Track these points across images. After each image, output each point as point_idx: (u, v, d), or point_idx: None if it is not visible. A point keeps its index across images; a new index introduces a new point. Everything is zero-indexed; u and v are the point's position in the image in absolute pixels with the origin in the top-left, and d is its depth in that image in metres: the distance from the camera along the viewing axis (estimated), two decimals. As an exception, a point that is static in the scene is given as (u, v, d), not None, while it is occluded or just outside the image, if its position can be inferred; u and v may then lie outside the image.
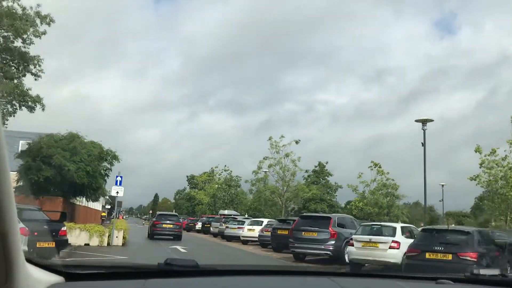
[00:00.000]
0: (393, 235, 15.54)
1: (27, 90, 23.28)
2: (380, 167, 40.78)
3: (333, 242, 17.69)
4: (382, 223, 18.04)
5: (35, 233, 12.10)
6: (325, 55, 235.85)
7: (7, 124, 23.53)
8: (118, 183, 24.25)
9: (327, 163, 65.16)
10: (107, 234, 21.36)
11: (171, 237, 28.11)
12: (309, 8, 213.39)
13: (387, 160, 75.98)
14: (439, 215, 64.62)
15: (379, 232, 16.06)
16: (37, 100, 23.44)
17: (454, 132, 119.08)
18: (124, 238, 22.41)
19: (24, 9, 22.84)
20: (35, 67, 24.03)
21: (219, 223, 36.03)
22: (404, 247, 15.08)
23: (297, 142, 43.98)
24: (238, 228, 29.89)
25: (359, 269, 15.17)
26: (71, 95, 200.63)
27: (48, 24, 23.70)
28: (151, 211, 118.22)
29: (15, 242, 1.23)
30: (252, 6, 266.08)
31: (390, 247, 15.15)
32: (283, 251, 21.65)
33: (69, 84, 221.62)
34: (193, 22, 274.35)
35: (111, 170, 28.74)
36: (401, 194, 41.21)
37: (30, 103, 23.38)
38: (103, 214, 63.93)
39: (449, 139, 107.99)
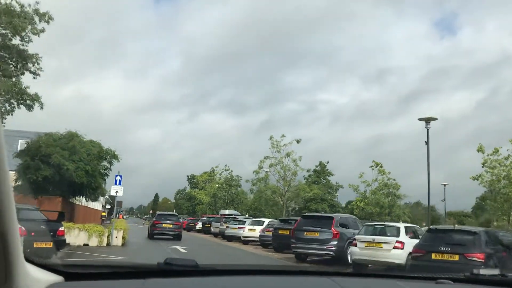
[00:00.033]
0: (397, 235, 15.27)
1: (25, 88, 23.00)
2: (381, 166, 40.61)
3: (335, 242, 17.43)
4: (386, 223, 17.77)
5: (32, 233, 11.87)
6: (325, 55, 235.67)
7: (5, 123, 23.29)
8: (117, 183, 24.00)
9: (328, 162, 65.10)
10: (106, 234, 21.12)
11: (171, 237, 27.97)
12: (309, 8, 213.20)
13: (388, 160, 76.07)
14: (440, 215, 64.40)
15: (382, 232, 15.80)
16: (36, 98, 23.16)
17: (454, 132, 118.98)
18: (123, 238, 22.16)
19: (22, 6, 22.55)
20: (33, 65, 23.73)
21: (219, 223, 35.81)
22: (408, 248, 14.84)
23: (298, 142, 43.80)
24: (239, 228, 29.68)
25: (361, 269, 14.89)
26: (71, 95, 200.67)
27: (47, 22, 23.41)
28: (151, 211, 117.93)
29: (14, 241, 1.23)
30: (252, 6, 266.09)
31: (394, 248, 14.89)
32: (285, 251, 21.43)
33: (70, 84, 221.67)
34: (193, 22, 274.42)
35: (110, 170, 28.56)
36: (403, 194, 41.08)
37: (28, 101, 23.10)
38: (103, 214, 63.76)
39: (449, 139, 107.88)
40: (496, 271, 2.16)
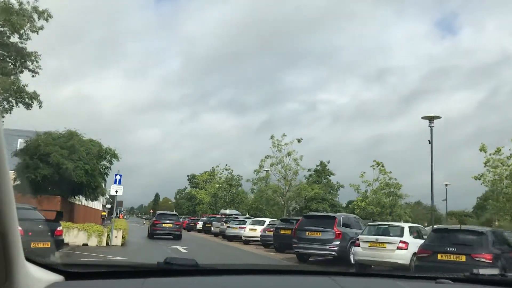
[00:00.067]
0: (401, 235, 15.01)
1: (24, 86, 22.76)
2: (382, 166, 40.42)
3: (338, 242, 17.19)
4: (390, 223, 17.52)
5: (30, 233, 11.66)
6: (325, 55, 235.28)
7: (3, 121, 22.97)
8: (117, 182, 23.75)
9: (328, 162, 64.86)
10: (106, 234, 20.91)
11: (171, 237, 27.88)
12: (309, 8, 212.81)
13: (388, 160, 75.75)
14: (440, 215, 64.19)
15: (386, 232, 15.55)
16: (34, 96, 22.93)
17: (454, 132, 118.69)
18: (123, 238, 21.95)
19: (21, 4, 22.33)
20: (32, 64, 23.52)
21: (220, 223, 35.59)
22: (412, 248, 14.62)
23: (299, 141, 43.56)
24: (240, 228, 29.49)
25: (364, 270, 14.65)
26: (71, 95, 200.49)
27: (46, 19, 23.22)
28: (151, 211, 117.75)
29: (15, 241, 1.24)
30: (252, 6, 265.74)
31: (398, 248, 14.64)
32: (286, 251, 21.22)
33: (70, 84, 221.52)
34: (193, 22, 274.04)
35: (110, 169, 28.31)
36: (404, 194, 40.88)
37: (27, 99, 22.86)
38: (103, 213, 63.59)
39: (449, 139, 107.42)
40: (496, 271, 2.15)
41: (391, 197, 40.57)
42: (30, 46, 23.33)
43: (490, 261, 10.81)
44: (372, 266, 15.59)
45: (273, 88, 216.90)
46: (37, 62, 23.57)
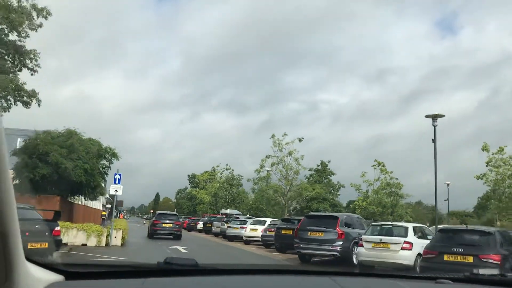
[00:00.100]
0: (405, 235, 14.75)
1: (22, 84, 22.47)
2: (383, 166, 40.19)
3: (340, 242, 16.93)
4: (393, 223, 17.24)
5: (27, 233, 11.40)
6: (325, 55, 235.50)
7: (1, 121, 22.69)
8: (116, 181, 23.43)
9: (329, 162, 64.62)
10: (105, 234, 20.66)
11: (171, 237, 27.76)
12: (309, 8, 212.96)
13: (388, 160, 75.35)
14: (441, 215, 63.94)
15: (390, 232, 15.29)
16: (33, 95, 22.66)
17: (455, 132, 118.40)
18: (123, 238, 21.70)
19: (19, 1, 22.05)
20: (31, 62, 23.24)
21: (220, 223, 35.33)
22: (416, 248, 14.38)
23: (300, 140, 43.26)
24: (241, 228, 29.26)
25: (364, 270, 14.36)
26: (71, 94, 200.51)
27: (45, 17, 22.96)
28: (152, 211, 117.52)
29: (15, 241, 1.24)
30: (252, 6, 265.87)
31: (402, 248, 14.39)
32: (288, 252, 20.98)
33: (70, 84, 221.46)
34: (193, 22, 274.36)
35: (110, 168, 28.06)
36: (405, 194, 40.65)
37: (25, 98, 22.58)
38: (104, 213, 63.39)
39: (450, 139, 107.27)
40: (495, 271, 2.18)
41: (392, 197, 40.35)
42: (29, 45, 23.11)
43: (498, 262, 10.54)
44: (375, 267, 15.34)
45: (273, 88, 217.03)
46: (36, 60, 23.32)
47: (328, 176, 64.26)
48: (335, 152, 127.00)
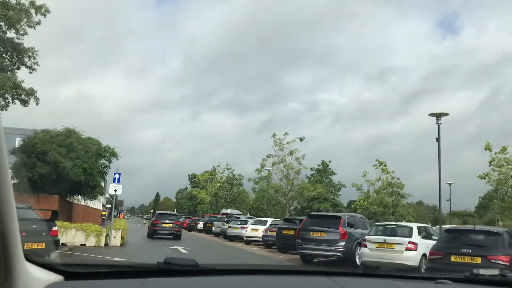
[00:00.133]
0: (410, 235, 14.45)
1: (20, 82, 22.18)
2: (385, 165, 39.95)
3: (343, 243, 16.66)
4: (397, 223, 16.94)
5: (23, 233, 11.10)
6: (326, 55, 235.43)
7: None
8: (116, 181, 23.17)
9: (330, 162, 64.36)
10: (104, 234, 20.39)
11: (171, 236, 27.62)
12: (309, 8, 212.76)
13: (388, 160, 74.71)
14: (443, 215, 63.64)
15: (394, 233, 15.00)
16: (31, 93, 22.37)
17: (455, 132, 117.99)
18: (122, 238, 21.44)
19: (18, -2, 21.79)
20: (29, 60, 22.95)
21: (221, 223, 35.07)
22: (421, 249, 14.10)
23: (301, 139, 42.98)
24: (241, 227, 29.03)
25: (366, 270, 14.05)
26: (72, 94, 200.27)
27: (44, 14, 22.68)
28: (152, 211, 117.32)
29: (14, 241, 1.24)
30: (252, 6, 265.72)
31: (407, 249, 14.10)
32: (289, 252, 20.74)
33: (70, 84, 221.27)
34: (193, 22, 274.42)
35: (109, 168, 27.80)
36: (407, 193, 40.42)
37: (23, 96, 22.28)
38: (104, 213, 63.18)
39: (450, 138, 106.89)
40: (496, 271, 2.15)
41: (394, 197, 40.11)
42: (28, 43, 22.83)
43: (508, 264, 10.24)
44: (379, 268, 15.06)
45: (274, 88, 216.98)
46: (34, 58, 23.04)
47: (329, 176, 64.01)
48: (336, 152, 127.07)
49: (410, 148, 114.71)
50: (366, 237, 15.26)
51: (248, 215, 43.56)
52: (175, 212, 37.29)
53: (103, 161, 27.53)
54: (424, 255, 13.97)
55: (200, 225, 45.18)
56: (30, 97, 22.39)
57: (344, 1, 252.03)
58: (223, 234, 32.69)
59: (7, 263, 1.25)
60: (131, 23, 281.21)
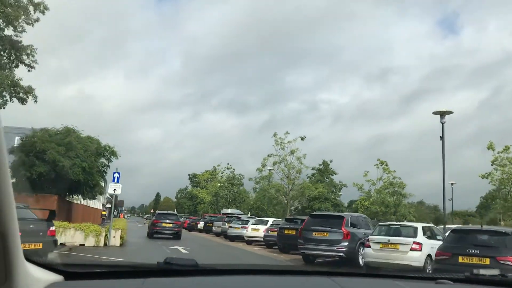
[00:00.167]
0: (414, 235, 14.16)
1: (18, 80, 21.90)
2: (386, 165, 39.76)
3: (346, 243, 16.38)
4: (402, 223, 16.67)
5: (20, 234, 10.84)
6: (326, 55, 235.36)
7: None
8: (115, 180, 22.91)
9: (331, 161, 64.10)
10: (103, 234, 20.13)
11: (171, 236, 27.48)
12: (309, 8, 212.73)
13: (389, 160, 74.50)
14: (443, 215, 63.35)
15: (398, 233, 14.71)
16: (29, 91, 22.10)
17: (456, 131, 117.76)
18: (121, 238, 21.19)
19: (15, -5, 21.51)
20: (28, 58, 22.67)
21: (221, 223, 34.83)
22: (426, 249, 13.83)
23: (302, 139, 42.72)
24: (242, 227, 28.83)
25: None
26: (72, 94, 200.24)
27: (42, 12, 22.41)
28: (152, 210, 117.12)
29: (14, 241, 1.24)
30: (252, 6, 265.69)
31: (412, 249, 13.82)
32: (291, 252, 20.48)
33: (71, 83, 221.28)
34: (194, 22, 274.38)
35: (109, 167, 27.51)
36: (408, 193, 40.24)
37: (21, 94, 22.01)
38: (104, 213, 62.95)
39: (451, 138, 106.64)
40: (496, 271, 2.14)
41: (395, 197, 39.91)
42: (28, 41, 22.56)
43: (517, 265, 9.96)
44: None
45: (274, 88, 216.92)
46: (33, 56, 22.76)
47: (330, 176, 63.73)
48: (336, 152, 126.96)
49: (410, 148, 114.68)
50: (370, 237, 14.99)
51: (249, 214, 43.29)
52: (175, 212, 37.11)
53: (103, 160, 27.29)
54: (429, 255, 13.70)
55: (201, 225, 44.97)
56: (28, 95, 22.12)
57: (344, 1, 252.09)
58: (223, 234, 32.47)
59: (7, 263, 1.25)
60: (131, 23, 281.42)
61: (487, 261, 10.20)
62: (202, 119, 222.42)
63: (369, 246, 14.71)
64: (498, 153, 30.51)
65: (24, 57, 22.53)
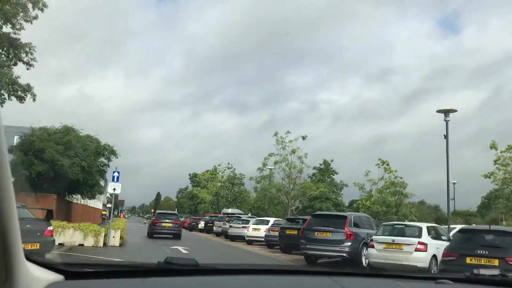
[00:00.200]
0: (419, 236, 13.89)
1: (16, 78, 21.65)
2: (388, 164, 39.52)
3: (349, 243, 16.13)
4: (406, 223, 16.42)
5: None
6: (326, 55, 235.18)
7: None
8: (115, 179, 22.67)
9: (332, 161, 63.87)
10: (103, 234, 19.89)
11: (171, 236, 27.32)
12: (309, 8, 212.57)
13: (389, 159, 74.33)
14: (445, 215, 63.15)
15: (402, 233, 14.45)
16: (27, 89, 21.84)
17: (456, 131, 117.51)
18: (121, 238, 20.95)
19: (14, -8, 21.25)
20: (27, 55, 22.42)
21: (222, 222, 34.61)
22: (431, 250, 13.57)
23: (304, 138, 42.36)
24: (243, 227, 28.63)
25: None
26: (72, 94, 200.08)
27: (41, 9, 22.18)
28: (152, 210, 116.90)
29: (15, 240, 1.24)
30: (253, 6, 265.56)
31: (416, 249, 13.55)
32: (293, 253, 20.25)
33: (71, 83, 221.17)
34: (194, 22, 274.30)
35: (108, 166, 27.28)
36: (410, 193, 40.01)
37: (19, 92, 21.76)
38: (104, 212, 62.73)
39: (451, 138, 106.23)
40: (496, 271, 2.13)
41: (397, 196, 39.68)
42: (27, 40, 22.31)
43: (527, 266, 9.69)
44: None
45: (274, 87, 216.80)
46: (31, 54, 22.52)
47: (331, 175, 63.52)
48: (336, 151, 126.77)
49: (411, 148, 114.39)
50: (374, 237, 14.73)
51: (249, 214, 43.03)
52: (175, 212, 36.95)
53: (102, 159, 27.03)
54: (434, 256, 13.45)
55: (201, 224, 44.77)
56: (26, 93, 21.88)
57: (344, 1, 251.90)
58: (224, 234, 32.27)
59: (8, 262, 1.24)
60: (131, 23, 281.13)
61: (496, 262, 9.93)
62: (202, 119, 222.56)
63: (372, 247, 14.45)
64: (500, 152, 30.31)
65: (23, 55, 22.30)
